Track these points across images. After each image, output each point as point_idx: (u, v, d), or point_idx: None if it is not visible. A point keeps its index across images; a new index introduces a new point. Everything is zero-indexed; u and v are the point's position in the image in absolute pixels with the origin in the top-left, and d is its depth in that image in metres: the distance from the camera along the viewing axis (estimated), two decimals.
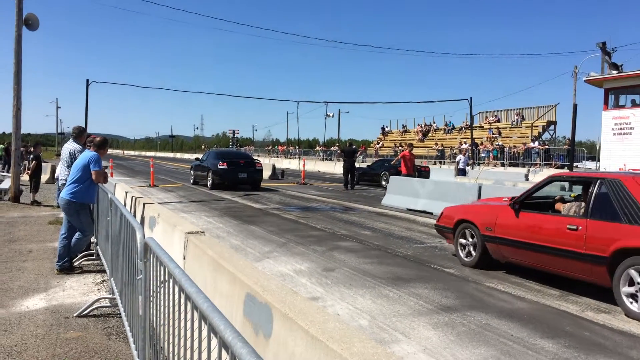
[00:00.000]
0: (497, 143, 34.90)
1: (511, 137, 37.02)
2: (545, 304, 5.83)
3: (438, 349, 4.42)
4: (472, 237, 7.62)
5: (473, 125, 35.64)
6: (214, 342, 1.67)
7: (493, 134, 38.22)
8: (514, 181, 20.13)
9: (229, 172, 19.99)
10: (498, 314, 5.43)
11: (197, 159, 23.56)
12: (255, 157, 23.48)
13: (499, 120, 41.88)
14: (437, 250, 8.86)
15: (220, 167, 20.04)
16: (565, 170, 10.74)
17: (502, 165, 31.25)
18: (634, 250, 5.43)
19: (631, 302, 5.44)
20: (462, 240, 7.81)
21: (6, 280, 6.36)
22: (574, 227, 6.08)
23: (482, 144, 35.72)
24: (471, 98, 32.03)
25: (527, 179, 22.92)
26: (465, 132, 41.18)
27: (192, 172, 23.26)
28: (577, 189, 7.78)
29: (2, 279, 6.41)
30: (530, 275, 7.07)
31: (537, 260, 6.69)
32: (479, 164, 31.25)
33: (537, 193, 7.15)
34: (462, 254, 7.81)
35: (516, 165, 30.61)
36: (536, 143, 31.77)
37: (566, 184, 10.69)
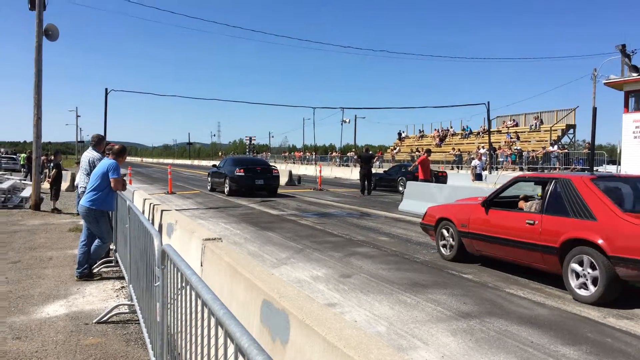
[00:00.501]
0: (515, 147, 34.58)
1: (530, 141, 36.67)
2: (566, 310, 5.74)
3: (457, 355, 4.37)
4: (450, 233, 8.42)
5: (491, 130, 35.35)
6: (231, 349, 1.67)
7: (511, 138, 37.87)
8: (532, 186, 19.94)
9: (245, 179, 20.09)
10: (518, 320, 5.36)
11: (214, 165, 23.81)
12: (271, 164, 23.64)
13: (517, 125, 41.49)
14: None
15: (237, 173, 20.16)
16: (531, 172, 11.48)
17: (521, 169, 30.94)
18: (579, 241, 6.22)
19: (578, 288, 6.19)
20: (443, 237, 8.62)
21: (27, 287, 6.45)
22: (532, 222, 6.89)
23: (500, 148, 35.41)
24: (488, 102, 31.84)
25: None
26: (482, 137, 40.86)
27: (209, 178, 23.45)
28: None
29: (23, 286, 6.50)
30: (550, 281, 6.98)
31: (503, 252, 7.47)
32: (497, 169, 30.97)
33: (506, 193, 7.99)
34: (442, 249, 8.64)
35: (535, 169, 30.27)
36: (555, 147, 31.40)
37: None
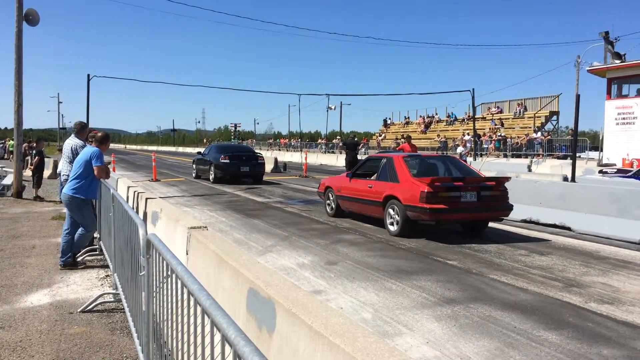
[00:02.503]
0: (499, 134, 34.81)
1: (514, 128, 36.95)
2: (549, 296, 5.83)
3: (441, 341, 4.42)
4: (331, 196, 11.78)
5: (475, 117, 35.51)
6: (217, 337, 1.67)
7: (495, 125, 38.12)
8: (516, 172, 20.06)
9: (231, 166, 20.09)
10: (501, 305, 5.43)
11: (199, 152, 23.69)
12: (257, 151, 23.68)
13: (501, 111, 41.76)
14: (440, 242, 8.85)
15: (222, 161, 20.13)
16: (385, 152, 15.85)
17: (505, 156, 31.18)
18: (391, 196, 9.43)
19: (390, 225, 9.50)
20: (328, 200, 11.98)
21: (10, 276, 6.39)
22: (370, 186, 10.23)
23: (484, 135, 35.63)
24: (473, 89, 31.93)
25: (529, 170, 22.82)
26: (467, 124, 41.08)
27: (194, 166, 23.38)
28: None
29: (6, 275, 6.44)
30: (534, 267, 7.08)
31: (358, 207, 10.85)
32: (481, 155, 31.18)
33: (364, 168, 11.34)
34: (327, 208, 12.00)
35: (519, 156, 30.53)
36: (539, 134, 31.68)
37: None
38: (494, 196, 9.29)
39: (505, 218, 11.34)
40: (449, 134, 41.59)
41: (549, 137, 31.20)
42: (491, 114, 41.99)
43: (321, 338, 2.18)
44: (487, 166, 21.84)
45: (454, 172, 10.13)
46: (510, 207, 9.47)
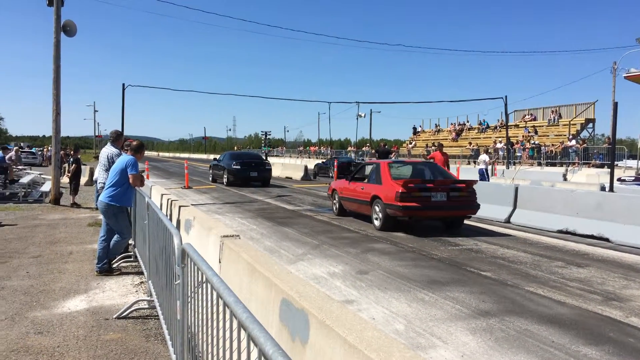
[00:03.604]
0: (533, 142, 34.19)
1: (548, 136, 36.26)
2: (587, 309, 5.66)
3: (476, 355, 4.33)
4: (336, 198, 13.45)
5: (508, 124, 34.96)
6: (254, 352, 1.66)
7: (529, 132, 37.46)
8: (551, 181, 19.68)
9: (241, 171, 22.49)
10: (538, 319, 5.30)
11: (214, 159, 26.44)
12: (264, 158, 27.28)
13: (535, 119, 41.04)
14: (473, 252, 8.72)
15: (234, 166, 22.61)
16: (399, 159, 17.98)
17: (539, 164, 30.60)
18: (376, 196, 11.06)
19: (375, 219, 11.15)
20: (334, 200, 13.66)
21: (48, 282, 6.54)
22: (362, 188, 11.87)
23: (517, 143, 35.04)
24: (506, 96, 31.45)
25: (565, 179, 22.32)
26: (500, 131, 40.49)
27: (210, 170, 26.05)
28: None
29: (45, 280, 6.59)
30: (571, 279, 6.90)
31: (355, 207, 12.39)
32: (514, 164, 30.66)
33: (362, 172, 13.06)
34: (334, 207, 13.70)
35: (553, 164, 29.92)
36: (574, 141, 30.98)
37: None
38: (462, 197, 10.73)
39: (539, 228, 11.13)
40: (480, 142, 41.03)
41: (585, 145, 30.51)
42: (524, 121, 41.31)
43: (356, 352, 2.15)
44: (521, 175, 21.46)
45: (434, 176, 11.72)
46: (477, 206, 10.87)
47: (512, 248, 9.17)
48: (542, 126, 38.82)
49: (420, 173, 12.03)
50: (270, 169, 23.94)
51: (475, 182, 11.44)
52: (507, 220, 12.27)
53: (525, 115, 42.18)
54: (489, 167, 22.77)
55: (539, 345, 4.57)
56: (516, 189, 12.55)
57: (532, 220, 11.62)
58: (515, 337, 4.78)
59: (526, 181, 19.40)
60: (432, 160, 17.49)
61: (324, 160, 37.80)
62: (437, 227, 11.41)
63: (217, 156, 28.72)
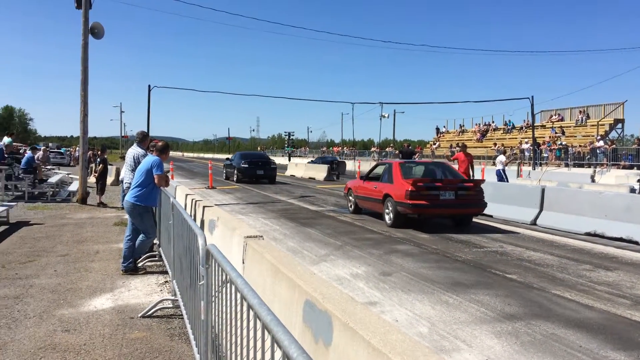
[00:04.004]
0: (560, 142, 33.61)
1: (575, 137, 35.57)
2: (616, 314, 5.54)
3: (502, 359, 4.27)
4: (351, 196, 14.20)
5: (535, 125, 34.42)
6: (278, 354, 1.65)
7: (556, 133, 36.83)
8: (579, 182, 19.32)
9: (249, 170, 25.18)
10: (565, 323, 5.20)
11: (227, 159, 29.48)
12: (271, 157, 29.65)
13: (562, 119, 40.32)
14: (498, 255, 8.60)
15: (242, 165, 25.31)
16: (394, 160, 17.93)
17: (566, 165, 30.06)
18: (387, 194, 11.59)
19: (387, 216, 11.67)
20: (349, 199, 14.43)
21: (75, 280, 6.65)
22: (375, 187, 12.44)
23: (543, 143, 34.48)
24: (532, 96, 30.92)
25: (593, 181, 21.90)
26: (526, 132, 39.91)
27: (224, 169, 28.72)
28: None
29: (72, 279, 6.70)
30: (600, 283, 6.76)
31: (369, 205, 13.02)
32: (540, 165, 30.17)
33: (374, 172, 13.44)
34: (349, 207, 14.45)
35: (581, 165, 29.35)
36: (602, 142, 30.34)
37: None
38: (470, 195, 11.17)
39: (567, 230, 10.94)
40: (506, 143, 40.49)
41: (614, 145, 29.84)
42: (551, 121, 40.64)
43: (380, 355, 2.13)
44: (548, 176, 21.09)
45: (444, 176, 12.16)
46: (484, 205, 11.39)
47: (538, 250, 9.02)
48: (570, 127, 38.12)
49: (430, 173, 12.50)
50: (276, 168, 26.32)
51: (482, 181, 12.08)
52: (533, 223, 12.07)
53: (552, 116, 41.49)
54: (506, 168, 22.34)
55: (566, 350, 4.48)
56: (543, 191, 12.34)
57: (559, 223, 11.42)
58: (541, 341, 4.69)
59: (553, 182, 19.07)
60: (445, 161, 17.47)
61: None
62: (460, 229, 11.29)
63: (230, 156, 32.63)
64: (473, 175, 17.47)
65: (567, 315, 5.47)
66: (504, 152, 24.07)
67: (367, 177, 13.26)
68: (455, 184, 11.24)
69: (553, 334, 4.89)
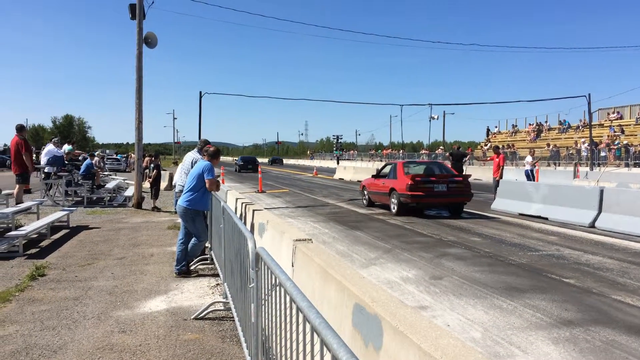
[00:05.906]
0: (619, 142, 32.24)
1: (636, 135, 34.05)
2: None
3: None
4: (365, 192, 16.49)
5: (592, 124, 33.17)
6: (327, 356, 1.65)
7: (615, 132, 35.37)
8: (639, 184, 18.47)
9: (242, 166, 47.13)
10: (626, 329, 4.97)
11: (235, 160, 54.52)
12: (257, 159, 53.06)
13: (621, 117, 38.73)
14: (555, 258, 8.32)
15: (238, 163, 49.21)
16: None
17: (627, 165, 28.82)
18: (393, 188, 14.08)
19: (392, 206, 14.14)
20: (364, 194, 16.71)
21: (131, 283, 6.86)
22: (383, 183, 14.89)
23: (601, 143, 33.18)
24: (589, 94, 29.86)
25: None
26: (582, 131, 38.52)
27: (235, 165, 50.60)
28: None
29: (128, 281, 6.92)
30: None
31: (378, 198, 15.38)
32: (598, 165, 29.04)
33: (383, 170, 16.03)
34: (363, 200, 16.73)
35: None
36: None
37: None
38: (459, 187, 13.74)
39: (627, 233, 10.52)
40: (561, 143, 39.24)
41: None
42: (610, 120, 39.07)
43: None
44: (606, 177, 20.30)
45: (438, 172, 14.68)
46: (471, 195, 13.92)
47: (597, 254, 8.68)
48: (630, 125, 36.55)
49: (427, 170, 15.04)
50: (258, 163, 44.59)
51: (469, 176, 14.71)
52: (592, 225, 11.62)
53: (610, 114, 39.88)
54: (534, 168, 22.75)
55: (627, 357, 4.28)
56: (601, 192, 11.86)
57: (619, 225, 10.94)
58: (601, 348, 4.50)
59: (612, 183, 18.32)
60: (444, 163, 18.12)
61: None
62: (512, 233, 10.98)
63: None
64: (502, 174, 17.25)
65: (628, 321, 5.23)
66: (532, 153, 24.29)
67: (377, 175, 15.88)
68: (447, 178, 13.79)
69: (613, 340, 4.68)
